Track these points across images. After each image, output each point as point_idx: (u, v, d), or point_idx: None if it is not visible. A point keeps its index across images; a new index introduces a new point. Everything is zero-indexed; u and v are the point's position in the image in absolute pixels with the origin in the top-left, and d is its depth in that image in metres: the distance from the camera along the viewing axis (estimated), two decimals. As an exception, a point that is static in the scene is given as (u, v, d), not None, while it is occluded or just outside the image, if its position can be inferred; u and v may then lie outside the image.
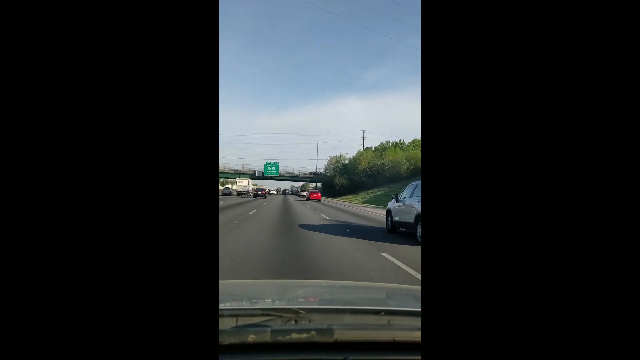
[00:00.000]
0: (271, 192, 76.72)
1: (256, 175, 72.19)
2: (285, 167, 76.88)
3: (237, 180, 56.49)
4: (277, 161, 70.93)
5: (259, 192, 40.58)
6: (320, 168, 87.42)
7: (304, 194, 58.54)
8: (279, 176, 72.25)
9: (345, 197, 55.50)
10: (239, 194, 47.66)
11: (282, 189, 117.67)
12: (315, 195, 40.32)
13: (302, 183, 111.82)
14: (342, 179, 63.30)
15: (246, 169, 72.29)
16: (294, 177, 75.31)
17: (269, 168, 70.40)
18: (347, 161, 71.08)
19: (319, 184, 79.08)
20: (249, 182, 55.06)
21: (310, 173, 75.81)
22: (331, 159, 74.78)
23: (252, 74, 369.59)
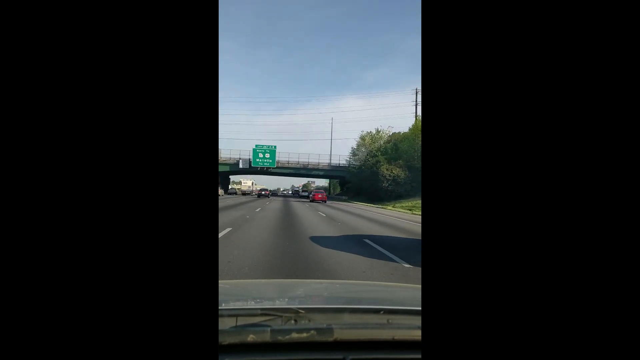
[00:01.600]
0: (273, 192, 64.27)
1: (240, 166, 44.98)
2: (287, 154, 49.43)
3: (242, 181, 58.93)
4: (272, 145, 43.96)
5: (262, 192, 44.55)
6: (340, 155, 63.05)
7: (305, 194, 53.97)
8: (276, 168, 45.10)
9: (408, 202, 28.46)
10: (244, 193, 50.95)
11: (282, 189, 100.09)
12: (319, 195, 34.40)
13: (307, 180, 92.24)
14: (395, 169, 34.71)
15: (224, 156, 45.02)
16: (300, 169, 48.04)
17: (261, 156, 43.45)
18: (386, 140, 43.97)
19: (324, 181, 58.98)
20: (252, 183, 59.02)
21: (326, 165, 48.61)
22: (363, 137, 47.36)
23: (252, 74, 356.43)
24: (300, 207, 20.38)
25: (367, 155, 42.84)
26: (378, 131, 46.87)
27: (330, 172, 48.67)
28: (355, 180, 42.91)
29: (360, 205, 29.31)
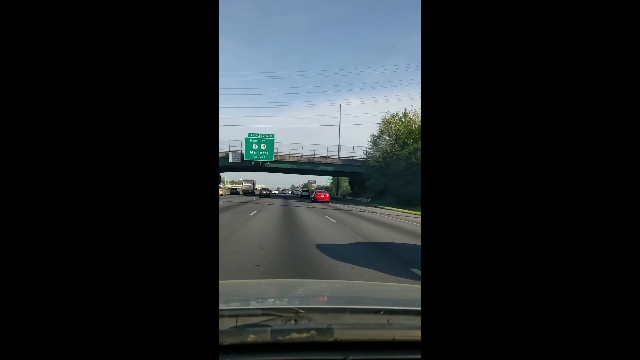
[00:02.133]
0: (273, 192, 58.66)
1: (230, 160, 35.42)
2: (287, 145, 39.82)
3: (244, 181, 60.70)
4: (269, 134, 34.53)
5: (264, 192, 44.03)
6: (355, 146, 54.74)
7: (306, 194, 50.84)
8: (275, 162, 35.68)
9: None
10: (245, 193, 51.28)
11: (281, 189, 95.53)
12: (322, 195, 31.47)
13: (308, 180, 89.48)
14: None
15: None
16: (304, 164, 38.45)
17: (255, 147, 34.07)
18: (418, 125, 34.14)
19: (325, 180, 62.84)
20: (253, 182, 60.21)
21: (336, 158, 39.10)
22: (387, 120, 36.64)
23: (251, 73, 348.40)
24: (323, 227, 9.51)
25: (395, 143, 33.21)
26: (406, 113, 36.57)
27: (342, 167, 38.87)
28: (378, 177, 33.29)
29: (401, 213, 19.80)
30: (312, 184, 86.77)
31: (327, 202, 30.34)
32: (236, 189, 57.06)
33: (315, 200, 30.29)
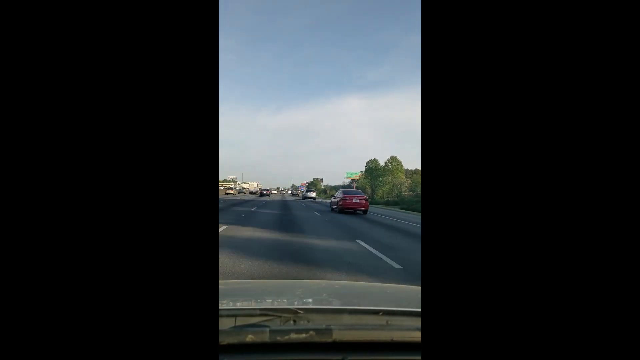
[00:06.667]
0: (272, 192, 64.17)
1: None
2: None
3: (250, 183, 72.52)
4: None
5: (264, 192, 52.60)
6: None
7: (312, 195, 40.51)
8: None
9: None
10: (250, 192, 62.81)
11: (281, 188, 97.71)
12: (355, 200, 17.12)
13: (313, 178, 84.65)
14: None
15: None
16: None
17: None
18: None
19: (343, 179, 55.17)
20: (257, 184, 72.10)
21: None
22: None
23: (251, 73, 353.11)
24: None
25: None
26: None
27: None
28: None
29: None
30: (320, 182, 79.14)
31: (365, 210, 17.41)
32: (244, 188, 68.93)
33: (341, 210, 17.23)
